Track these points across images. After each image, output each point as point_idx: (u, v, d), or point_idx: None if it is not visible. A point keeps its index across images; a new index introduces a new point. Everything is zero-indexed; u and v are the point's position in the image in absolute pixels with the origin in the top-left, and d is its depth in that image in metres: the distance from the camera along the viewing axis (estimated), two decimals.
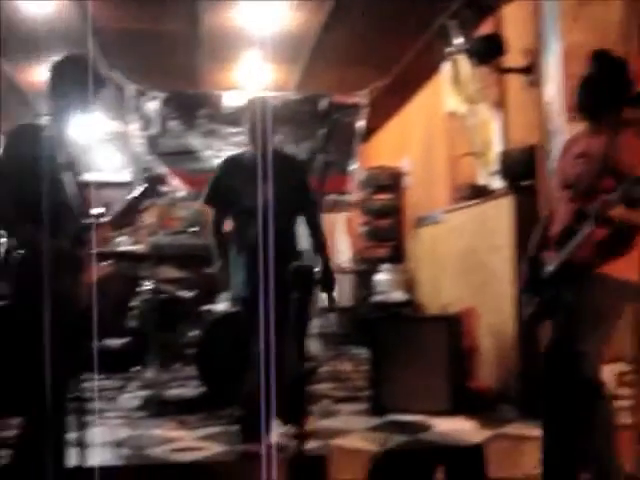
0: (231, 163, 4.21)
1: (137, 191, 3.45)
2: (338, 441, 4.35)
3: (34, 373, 2.82)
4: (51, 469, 2.82)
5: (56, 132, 3.13)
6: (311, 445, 3.63)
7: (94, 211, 3.27)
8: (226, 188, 4.04)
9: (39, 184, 2.89)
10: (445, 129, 7.09)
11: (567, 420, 3.11)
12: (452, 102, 6.21)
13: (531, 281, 3.31)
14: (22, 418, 3.04)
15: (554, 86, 4.49)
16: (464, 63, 5.80)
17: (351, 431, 4.58)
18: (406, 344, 5.09)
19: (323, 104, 7.75)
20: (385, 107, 9.02)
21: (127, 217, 3.48)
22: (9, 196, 2.95)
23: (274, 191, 3.78)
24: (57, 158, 3.04)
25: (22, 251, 2.98)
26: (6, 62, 7.87)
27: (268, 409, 3.23)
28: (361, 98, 8.08)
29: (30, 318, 2.84)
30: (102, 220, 3.31)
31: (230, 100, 7.58)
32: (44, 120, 3.17)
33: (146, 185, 3.47)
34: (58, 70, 3.25)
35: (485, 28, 5.85)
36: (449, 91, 6.22)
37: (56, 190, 2.97)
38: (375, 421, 4.83)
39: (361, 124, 8.11)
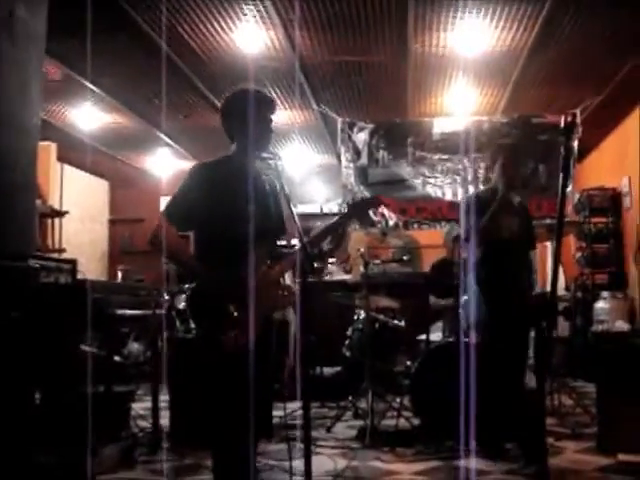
0: None
1: (340, 215, 3.43)
2: None
3: (226, 404, 2.87)
4: None
5: (240, 165, 3.15)
6: None
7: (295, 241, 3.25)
8: None
9: (218, 217, 2.98)
10: None
11: None
12: None
13: None
14: (214, 449, 3.06)
15: None
16: None
17: (580, 471, 4.28)
18: (636, 378, 4.70)
19: (534, 125, 7.47)
20: (600, 125, 8.58)
21: (324, 239, 3.38)
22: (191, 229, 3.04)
23: None
24: (243, 190, 3.05)
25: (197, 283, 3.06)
26: (219, 100, 8.33)
27: None
28: (574, 117, 7.69)
29: (212, 346, 2.89)
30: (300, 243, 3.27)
31: (438, 127, 7.51)
32: (233, 155, 3.21)
33: (347, 209, 3.45)
34: (228, 106, 3.25)
35: None
36: None
37: (238, 221, 3.01)
38: (603, 461, 4.48)
39: (574, 144, 7.72)
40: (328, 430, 5.34)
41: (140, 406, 5.58)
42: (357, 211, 3.47)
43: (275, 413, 5.04)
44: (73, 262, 3.94)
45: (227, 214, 2.99)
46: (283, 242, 3.21)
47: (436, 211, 7.38)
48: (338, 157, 8.08)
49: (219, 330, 2.87)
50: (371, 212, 6.71)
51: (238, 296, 2.92)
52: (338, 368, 6.11)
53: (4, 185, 2.71)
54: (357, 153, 7.42)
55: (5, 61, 2.73)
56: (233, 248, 2.94)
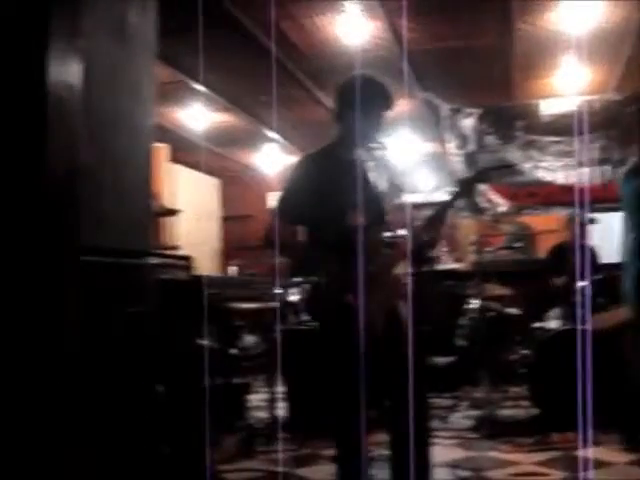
0: None
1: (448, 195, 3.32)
2: None
3: (345, 392, 2.87)
4: None
5: (348, 155, 3.07)
6: None
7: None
8: None
9: (330, 209, 2.94)
10: None
11: None
12: None
13: None
14: (335, 439, 3.06)
15: None
16: None
17: None
18: None
19: None
20: None
21: (436, 224, 3.28)
22: (304, 223, 3.02)
23: None
24: (352, 180, 2.96)
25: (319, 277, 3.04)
26: (324, 94, 8.37)
27: None
28: None
29: (342, 339, 2.88)
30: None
31: (548, 108, 7.29)
32: (336, 145, 3.15)
33: (457, 189, 3.34)
34: (343, 92, 3.14)
35: None
36: None
37: (351, 212, 2.96)
38: None
39: None
40: (443, 420, 5.29)
41: (257, 398, 5.69)
42: (465, 189, 3.35)
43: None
44: (189, 258, 4.04)
45: (338, 204, 2.94)
46: (391, 232, 3.15)
47: (548, 196, 7.18)
48: (444, 145, 7.97)
49: (343, 322, 2.86)
50: (479, 199, 6.59)
51: (361, 287, 2.89)
52: (452, 358, 6.04)
53: (122, 184, 2.81)
54: (464, 139, 7.29)
55: (120, 65, 2.82)
56: (348, 239, 2.87)
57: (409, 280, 3.10)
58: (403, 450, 2.89)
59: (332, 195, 2.97)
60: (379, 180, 3.15)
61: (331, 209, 2.96)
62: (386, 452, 3.07)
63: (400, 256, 3.06)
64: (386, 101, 3.13)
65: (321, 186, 2.97)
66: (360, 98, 3.02)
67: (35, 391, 1.93)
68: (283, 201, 3.03)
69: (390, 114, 3.16)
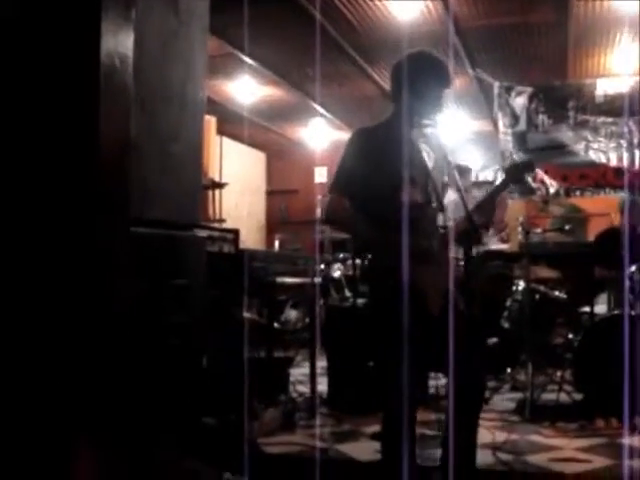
0: None
1: (498, 181, 3.29)
2: None
3: (391, 370, 2.85)
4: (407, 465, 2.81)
5: (405, 131, 3.02)
6: None
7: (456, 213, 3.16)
8: None
9: (388, 184, 2.90)
10: None
11: None
12: None
13: None
14: (383, 414, 3.04)
15: None
16: None
17: None
18: None
19: None
20: None
21: (487, 210, 3.25)
22: (363, 199, 2.96)
23: None
24: (407, 158, 2.92)
25: (374, 254, 3.01)
26: (374, 69, 8.29)
27: None
28: None
29: (391, 312, 2.84)
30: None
31: (601, 88, 7.12)
32: (392, 121, 3.09)
33: (504, 175, 3.30)
34: (403, 68, 3.06)
35: None
36: None
37: (409, 188, 2.92)
38: None
39: None
40: (486, 402, 5.25)
41: (298, 372, 5.72)
42: (513, 176, 3.30)
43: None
44: (236, 232, 4.06)
45: (393, 180, 2.90)
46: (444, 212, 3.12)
47: (600, 178, 7.03)
48: (494, 123, 7.85)
49: (398, 299, 2.84)
50: (529, 179, 6.47)
51: (424, 265, 2.89)
52: (495, 339, 5.99)
53: (173, 157, 2.81)
54: (515, 118, 7.17)
55: (172, 37, 2.82)
56: (406, 215, 2.83)
57: (461, 261, 3.07)
58: (458, 430, 2.88)
59: (387, 170, 2.93)
60: (433, 159, 3.12)
61: (386, 185, 2.92)
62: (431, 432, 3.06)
63: (453, 237, 3.03)
64: (445, 80, 3.08)
65: (377, 160, 2.93)
66: (419, 76, 2.99)
67: (82, 356, 1.96)
68: (338, 177, 2.99)
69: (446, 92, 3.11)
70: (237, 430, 3.83)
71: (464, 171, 3.61)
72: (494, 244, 6.46)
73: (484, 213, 3.16)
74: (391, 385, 2.91)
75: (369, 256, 3.13)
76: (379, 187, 2.93)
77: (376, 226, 2.93)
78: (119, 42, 2.09)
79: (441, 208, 3.08)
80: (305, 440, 4.31)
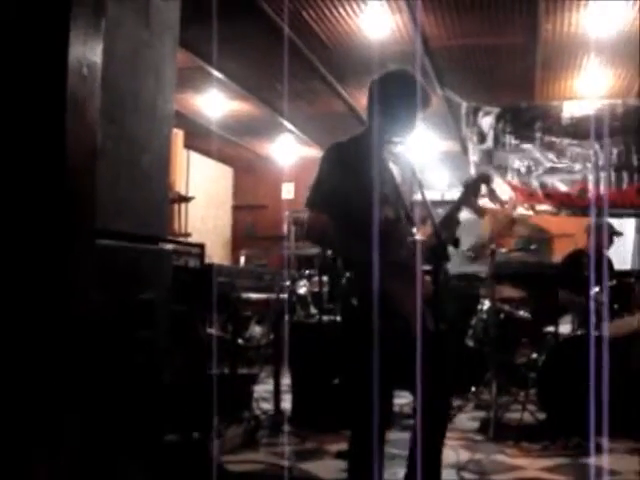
0: None
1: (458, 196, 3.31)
2: None
3: (362, 388, 2.82)
4: None
5: (377, 148, 3.02)
6: None
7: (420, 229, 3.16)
8: None
9: (363, 200, 2.87)
10: None
11: None
12: None
13: None
14: (351, 432, 3.02)
15: None
16: None
17: None
18: None
19: None
20: None
21: (450, 225, 3.26)
22: (339, 215, 2.94)
23: None
24: (378, 173, 2.93)
25: (353, 270, 2.99)
26: (343, 87, 8.32)
27: None
28: None
29: (366, 330, 2.82)
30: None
31: (568, 110, 7.20)
32: (365, 137, 3.09)
33: (464, 189, 3.32)
34: (381, 86, 3.07)
35: None
36: None
37: (381, 205, 2.91)
38: None
39: None
40: (450, 421, 5.25)
41: (262, 389, 5.66)
42: (473, 189, 3.32)
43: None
44: (202, 246, 4.02)
45: (365, 196, 2.88)
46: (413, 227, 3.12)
47: (565, 198, 7.09)
48: (462, 143, 7.90)
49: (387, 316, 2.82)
50: (489, 189, 6.48)
51: (402, 281, 2.89)
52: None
53: (140, 169, 2.77)
54: (482, 137, 7.22)
55: (143, 47, 2.78)
56: (382, 231, 2.83)
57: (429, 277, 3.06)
58: (426, 449, 2.86)
59: (360, 187, 2.91)
60: (402, 175, 3.12)
61: (361, 200, 2.90)
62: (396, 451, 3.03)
63: (422, 252, 3.02)
64: (421, 101, 3.09)
65: (351, 176, 2.92)
66: (395, 94, 3.00)
67: (37, 368, 1.90)
68: (314, 193, 2.97)
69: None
70: (199, 448, 3.77)
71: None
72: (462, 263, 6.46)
73: (447, 229, 3.17)
74: (362, 402, 2.89)
75: (348, 274, 3.08)
76: (355, 202, 2.92)
77: (357, 242, 2.92)
78: (88, 50, 2.05)
79: (411, 224, 3.08)
80: (268, 458, 4.26)
